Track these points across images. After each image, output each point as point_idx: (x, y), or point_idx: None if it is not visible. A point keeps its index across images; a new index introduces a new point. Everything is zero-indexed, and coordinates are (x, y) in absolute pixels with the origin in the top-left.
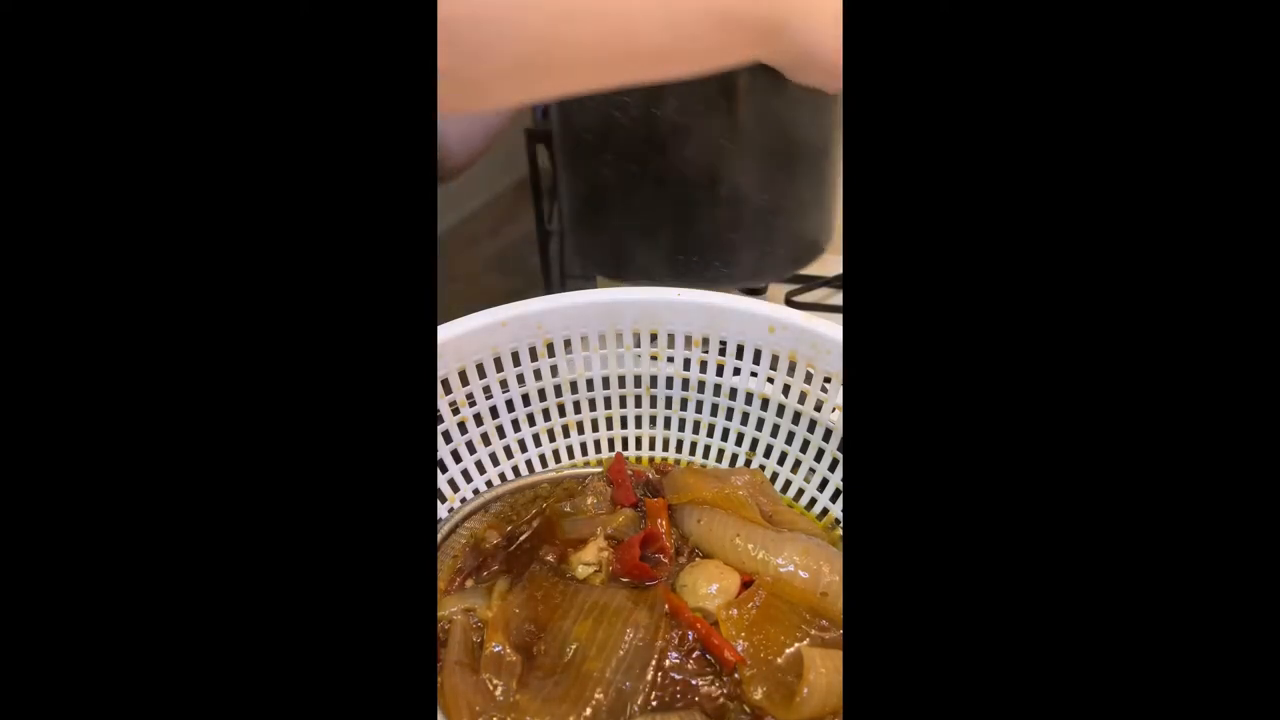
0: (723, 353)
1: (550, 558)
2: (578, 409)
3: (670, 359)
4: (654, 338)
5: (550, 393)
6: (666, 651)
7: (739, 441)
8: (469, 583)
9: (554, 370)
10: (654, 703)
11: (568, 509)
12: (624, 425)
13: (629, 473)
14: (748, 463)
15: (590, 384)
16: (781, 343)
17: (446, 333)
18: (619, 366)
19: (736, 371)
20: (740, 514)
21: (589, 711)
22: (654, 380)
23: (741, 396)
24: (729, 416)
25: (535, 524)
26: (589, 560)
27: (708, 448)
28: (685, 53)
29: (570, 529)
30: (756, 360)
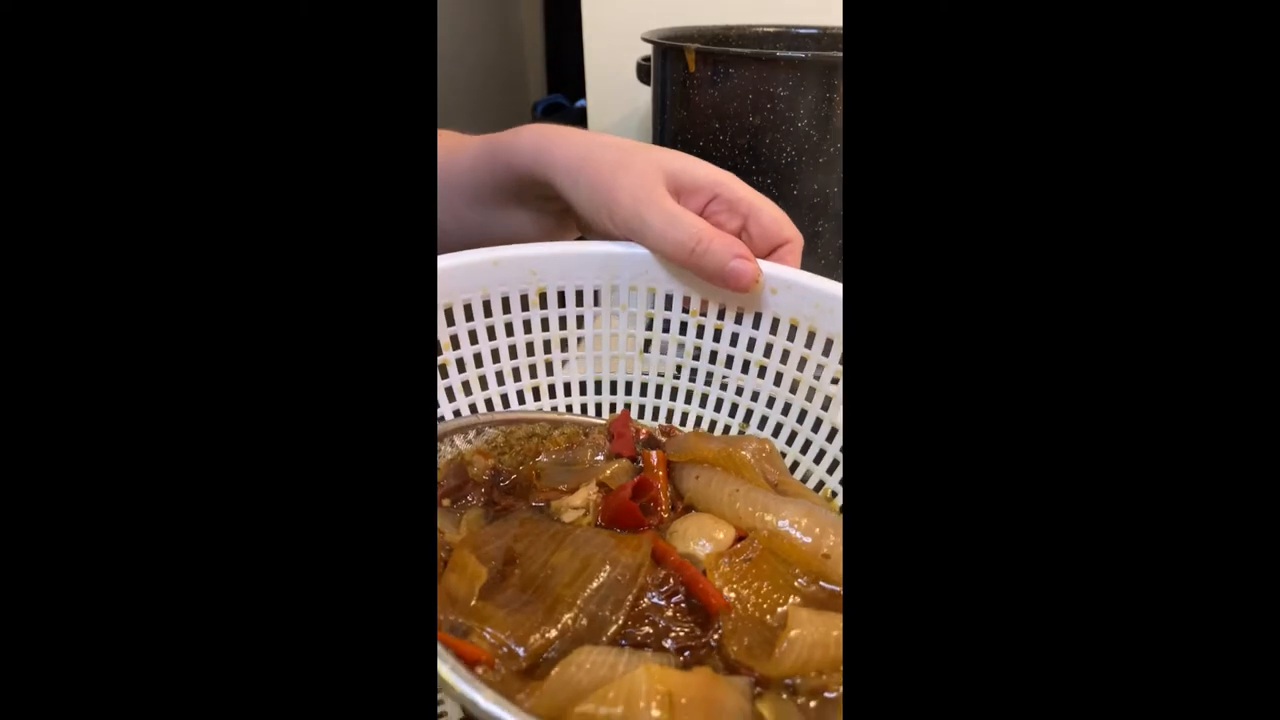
0: (721, 317)
1: (536, 502)
2: (567, 369)
3: (666, 324)
4: (651, 297)
5: (539, 349)
6: (647, 590)
7: (732, 413)
8: (445, 502)
9: (544, 324)
10: (624, 641)
11: (563, 460)
12: (614, 391)
13: (634, 430)
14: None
15: (581, 342)
16: (783, 305)
17: (440, 265)
18: (612, 328)
19: (734, 340)
20: (741, 475)
21: (554, 631)
22: (647, 345)
23: (738, 366)
24: (724, 387)
25: (523, 467)
26: (577, 504)
27: (699, 418)
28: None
29: (561, 477)
30: (756, 325)
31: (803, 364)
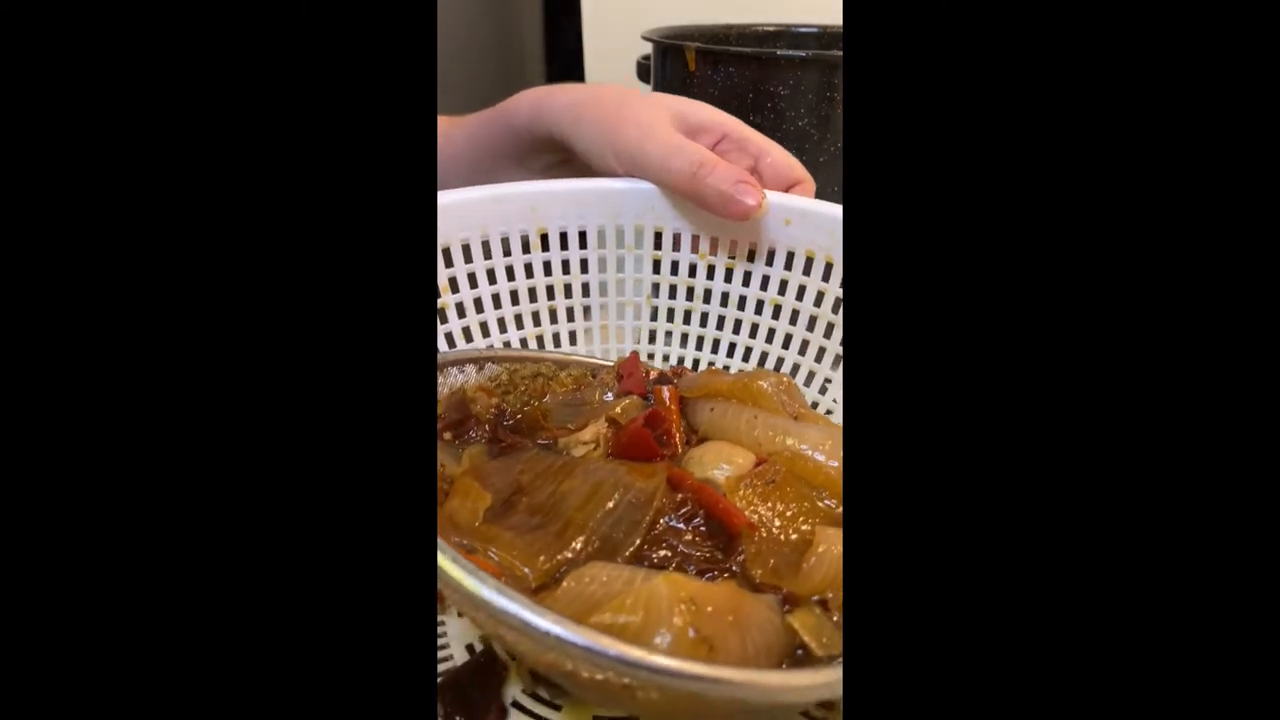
0: (732, 255)
1: (543, 440)
2: (570, 316)
3: (675, 265)
4: (658, 237)
5: (542, 294)
6: (663, 513)
7: (745, 357)
8: (446, 435)
9: (547, 267)
10: (642, 564)
11: (571, 400)
12: (620, 340)
13: (644, 371)
14: None
15: (586, 289)
16: (797, 236)
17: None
18: (618, 271)
19: (746, 280)
20: (759, 405)
21: (566, 554)
22: (655, 289)
23: (751, 306)
24: (736, 330)
25: (528, 408)
26: (586, 439)
27: (711, 364)
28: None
29: (569, 417)
30: (770, 261)
31: (819, 299)
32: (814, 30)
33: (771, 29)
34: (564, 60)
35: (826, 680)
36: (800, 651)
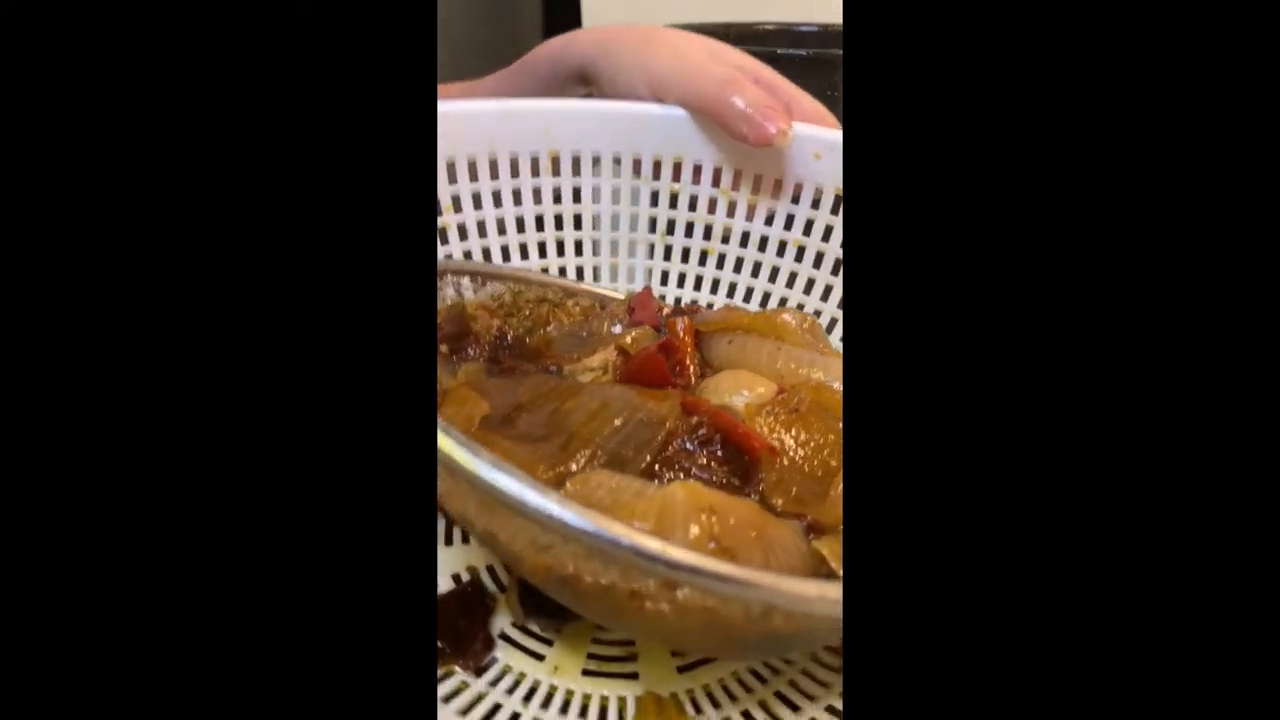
0: (756, 190)
1: (547, 366)
2: (579, 250)
3: (693, 201)
4: (677, 169)
5: (550, 224)
6: (676, 434)
7: (764, 303)
8: (442, 348)
9: (557, 195)
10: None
11: (580, 333)
12: (631, 279)
13: (657, 306)
14: None
15: (596, 221)
16: (826, 172)
17: (440, 110)
18: (632, 203)
19: (770, 219)
20: (782, 338)
21: (572, 466)
22: (670, 226)
23: (773, 247)
24: (755, 273)
25: (531, 338)
26: (594, 365)
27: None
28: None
29: (574, 346)
30: (796, 199)
31: None
32: (814, 29)
33: (771, 28)
34: None
35: None
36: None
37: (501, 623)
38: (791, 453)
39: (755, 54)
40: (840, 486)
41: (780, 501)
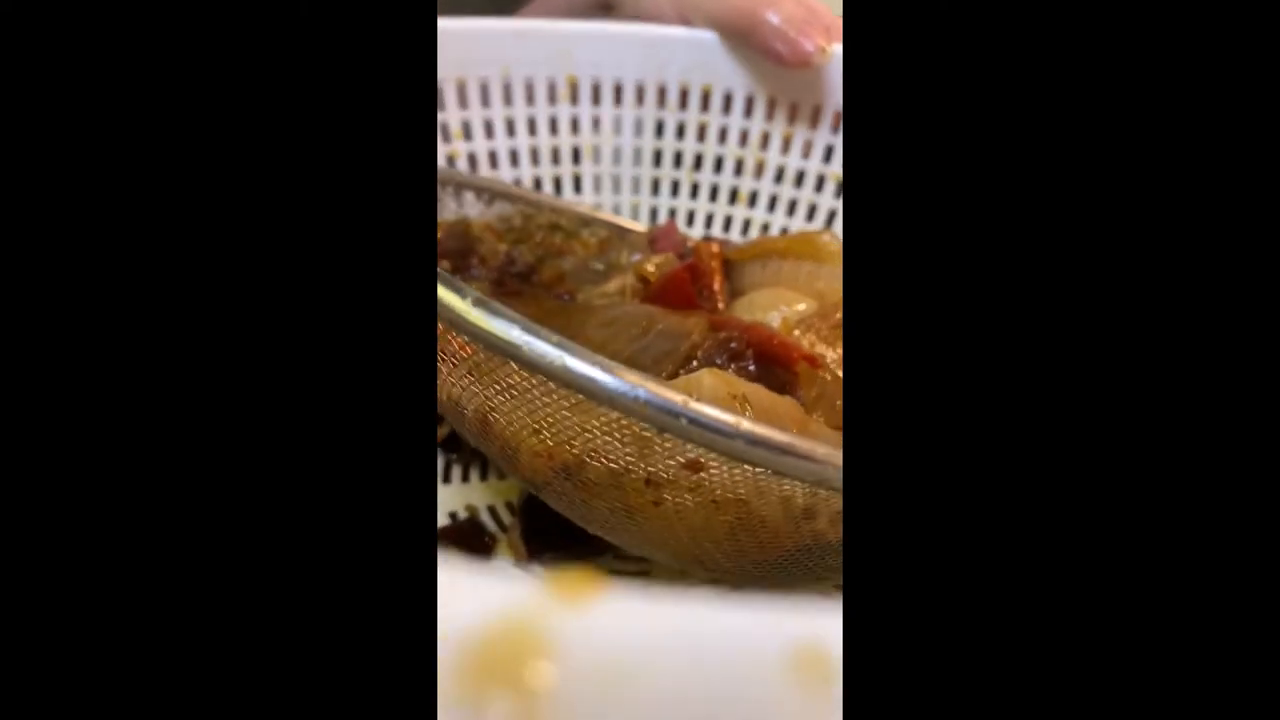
0: (792, 120)
1: (559, 293)
2: (598, 187)
3: (723, 132)
4: (705, 98)
5: (567, 156)
6: (701, 347)
7: None
8: (444, 264)
9: (574, 125)
10: None
11: (597, 264)
12: (655, 219)
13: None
14: None
15: (619, 155)
16: None
17: (449, 25)
18: (657, 137)
19: (807, 150)
20: (821, 261)
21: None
22: (698, 161)
23: (810, 183)
24: (791, 211)
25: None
26: (611, 290)
27: None
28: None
29: (590, 278)
30: (835, 128)
31: None
32: None
33: None
34: None
35: None
36: None
37: (502, 564)
38: (833, 367)
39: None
40: None
41: (824, 417)
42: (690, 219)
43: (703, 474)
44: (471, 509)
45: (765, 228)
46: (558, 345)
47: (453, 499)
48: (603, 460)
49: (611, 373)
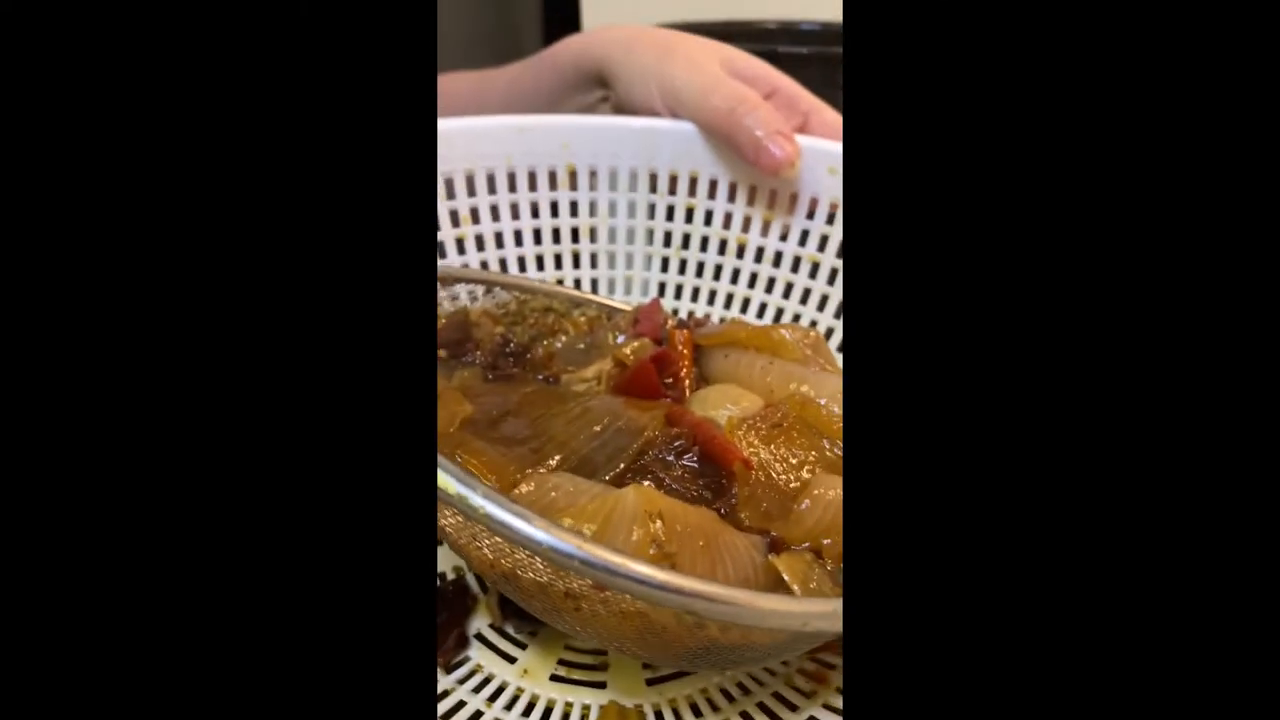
0: (771, 206)
1: (544, 375)
2: (594, 263)
3: (709, 215)
4: (693, 183)
5: (566, 236)
6: (653, 444)
7: (778, 317)
8: (441, 352)
9: (574, 208)
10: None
11: (581, 345)
12: (645, 291)
13: (662, 318)
14: None
15: (613, 234)
16: (840, 188)
17: (457, 125)
18: (649, 218)
19: (784, 234)
20: (778, 355)
21: (540, 470)
22: (685, 240)
23: (787, 263)
24: (769, 288)
25: (536, 345)
26: (588, 376)
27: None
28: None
29: (576, 359)
30: (810, 214)
31: None
32: (815, 27)
33: (773, 26)
34: None
35: (821, 610)
36: None
37: (479, 624)
38: (768, 468)
39: (756, 52)
40: (806, 502)
41: (748, 516)
42: (678, 291)
43: (608, 592)
44: (459, 570)
45: (746, 301)
46: (485, 496)
47: (443, 561)
48: (530, 574)
49: (527, 521)
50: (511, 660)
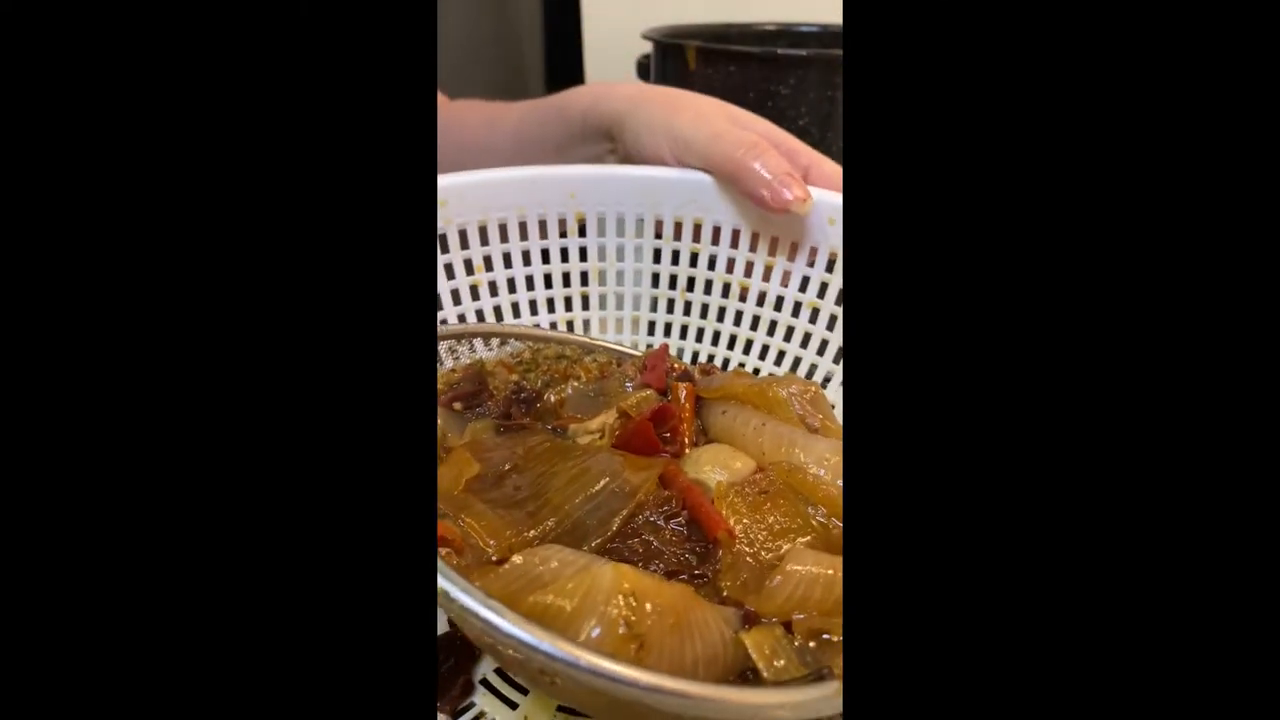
0: (773, 252)
1: (554, 424)
2: (603, 305)
3: (712, 260)
4: (697, 229)
5: (576, 280)
6: (645, 508)
7: (779, 360)
8: (456, 405)
9: (583, 254)
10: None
11: (591, 392)
12: (651, 332)
13: (669, 366)
14: None
15: (621, 277)
16: (840, 237)
17: (470, 179)
18: (655, 263)
19: (785, 280)
20: (773, 413)
21: (532, 532)
22: (690, 283)
23: (788, 308)
24: (771, 331)
25: (549, 393)
26: (593, 429)
27: (742, 365)
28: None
29: (585, 406)
30: (811, 262)
31: None
32: (815, 29)
33: (772, 28)
34: (563, 59)
35: (779, 701)
36: (750, 674)
37: (485, 669)
38: (751, 537)
39: (756, 53)
40: (778, 578)
41: (728, 585)
42: (684, 331)
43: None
44: None
45: (749, 343)
46: (464, 590)
47: None
48: (510, 651)
49: (500, 615)
50: (514, 706)
